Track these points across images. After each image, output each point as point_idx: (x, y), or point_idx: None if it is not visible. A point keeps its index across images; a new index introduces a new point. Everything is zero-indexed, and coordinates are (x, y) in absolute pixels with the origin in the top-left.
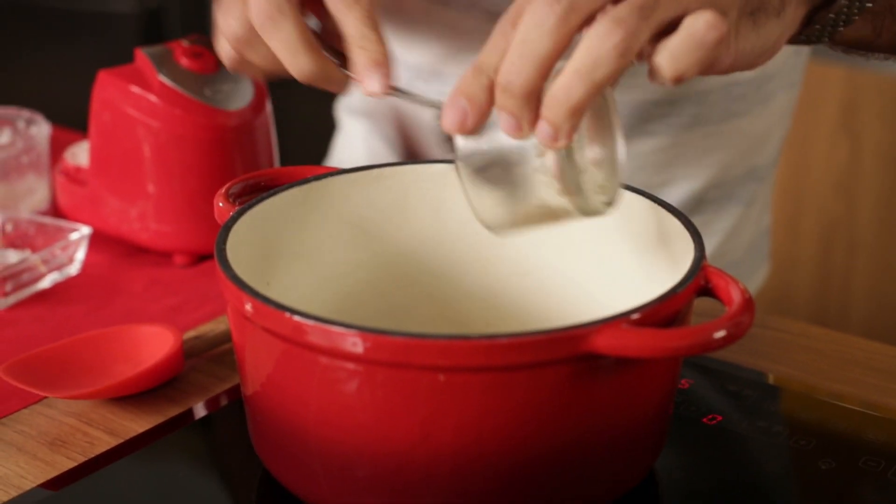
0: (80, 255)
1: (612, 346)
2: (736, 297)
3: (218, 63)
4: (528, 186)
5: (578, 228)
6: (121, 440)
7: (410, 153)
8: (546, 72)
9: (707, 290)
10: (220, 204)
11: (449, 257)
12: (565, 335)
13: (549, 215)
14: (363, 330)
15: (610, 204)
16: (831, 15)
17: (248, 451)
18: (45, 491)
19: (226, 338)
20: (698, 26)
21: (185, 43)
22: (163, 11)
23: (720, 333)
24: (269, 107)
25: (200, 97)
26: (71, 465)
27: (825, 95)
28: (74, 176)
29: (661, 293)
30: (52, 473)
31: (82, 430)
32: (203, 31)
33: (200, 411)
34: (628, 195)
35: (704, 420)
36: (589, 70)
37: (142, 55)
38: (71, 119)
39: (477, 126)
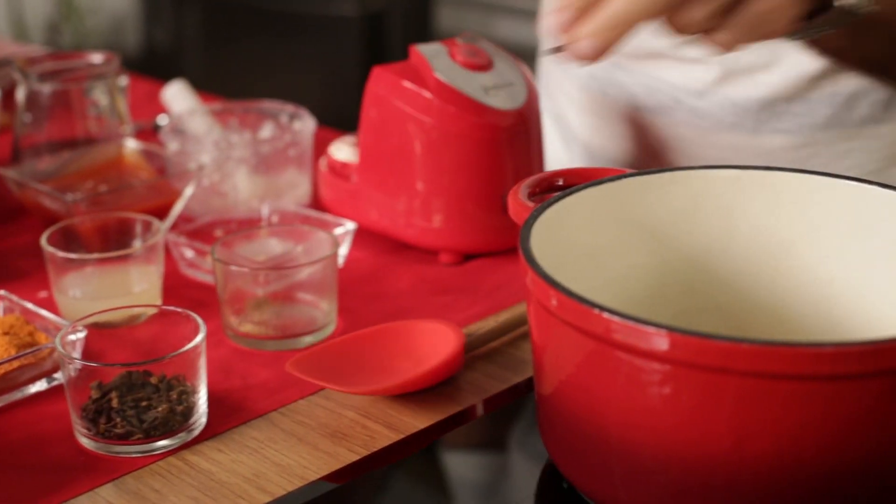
0: (344, 250)
1: None
2: None
3: (492, 62)
4: None
5: (873, 242)
6: (401, 435)
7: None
8: None
9: None
10: (515, 201)
11: (738, 265)
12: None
13: None
14: (679, 332)
15: None
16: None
17: (530, 452)
18: (330, 483)
19: (493, 336)
20: None
21: (459, 40)
22: (385, 15)
23: None
24: (540, 107)
25: (475, 95)
26: (353, 458)
27: None
28: (340, 171)
29: None
30: (335, 465)
31: (362, 423)
32: (423, 34)
33: (479, 410)
34: None
35: None
36: None
37: (416, 52)
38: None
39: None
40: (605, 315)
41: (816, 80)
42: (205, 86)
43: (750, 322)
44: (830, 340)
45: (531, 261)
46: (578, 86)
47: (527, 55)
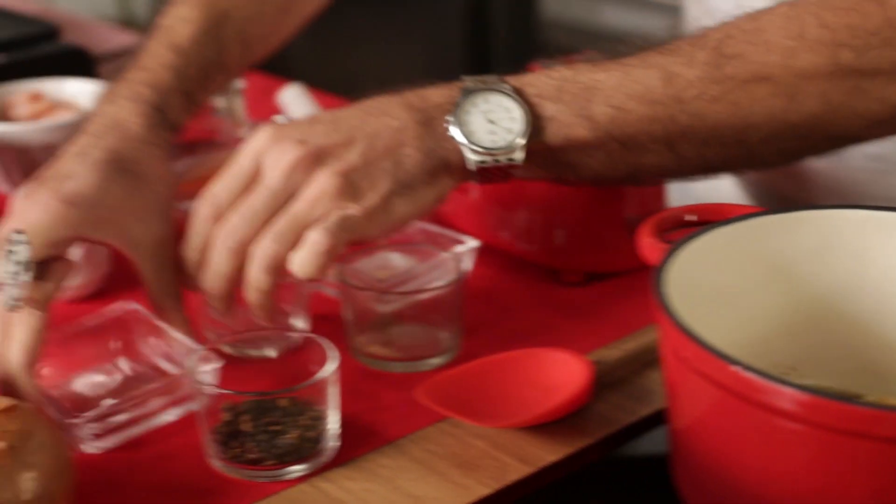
0: (467, 266)
1: None
2: None
3: None
4: None
5: None
6: (532, 468)
7: None
8: None
9: None
10: (646, 240)
11: (868, 306)
12: None
13: None
14: (821, 395)
15: None
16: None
17: (664, 491)
18: None
19: (620, 366)
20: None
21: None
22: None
23: None
24: None
25: None
26: (485, 491)
27: None
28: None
29: None
30: (468, 499)
31: (492, 454)
32: (527, 16)
33: (610, 444)
34: None
35: None
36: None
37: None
38: None
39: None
40: (744, 373)
41: None
42: (304, 64)
43: (882, 365)
44: None
45: (666, 307)
46: None
47: None
